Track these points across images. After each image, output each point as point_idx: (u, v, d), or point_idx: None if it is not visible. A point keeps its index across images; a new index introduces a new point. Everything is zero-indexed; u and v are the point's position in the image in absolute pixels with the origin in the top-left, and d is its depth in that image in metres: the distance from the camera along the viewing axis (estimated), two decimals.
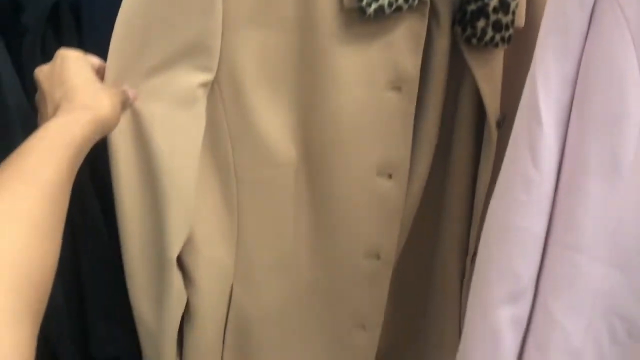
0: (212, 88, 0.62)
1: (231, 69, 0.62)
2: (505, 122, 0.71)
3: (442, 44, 0.67)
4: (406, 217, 0.73)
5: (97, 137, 0.52)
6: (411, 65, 0.64)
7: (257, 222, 0.69)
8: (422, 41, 0.64)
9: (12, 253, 0.36)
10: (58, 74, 0.53)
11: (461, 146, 0.73)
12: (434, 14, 0.66)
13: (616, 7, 0.53)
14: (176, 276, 0.64)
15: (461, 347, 0.59)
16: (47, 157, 0.44)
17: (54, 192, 0.42)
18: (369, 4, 0.58)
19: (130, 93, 0.59)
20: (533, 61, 0.58)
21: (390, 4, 0.59)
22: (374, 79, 0.64)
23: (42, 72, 0.55)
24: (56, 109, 0.51)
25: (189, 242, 0.65)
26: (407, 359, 0.86)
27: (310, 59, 0.62)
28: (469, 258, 0.75)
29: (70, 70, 0.53)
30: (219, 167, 0.65)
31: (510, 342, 0.57)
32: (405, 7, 0.60)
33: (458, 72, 0.69)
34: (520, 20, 0.65)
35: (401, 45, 0.63)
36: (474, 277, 0.59)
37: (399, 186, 0.70)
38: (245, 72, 0.62)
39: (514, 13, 0.64)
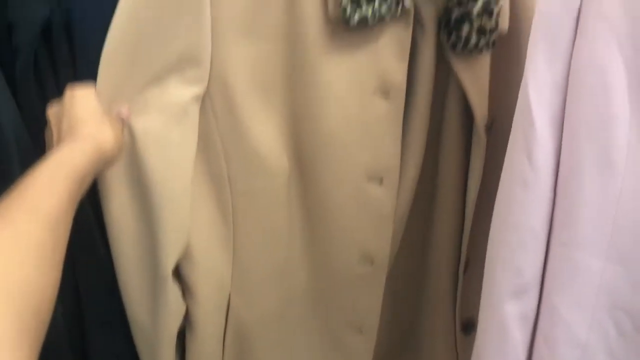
0: (203, 101, 0.63)
1: (222, 82, 0.62)
2: (494, 126, 0.72)
3: (428, 50, 0.68)
4: (398, 222, 0.73)
5: (100, 168, 0.54)
6: (398, 72, 0.65)
7: (252, 231, 0.70)
8: (408, 49, 0.65)
9: (12, 281, 0.37)
10: (67, 110, 0.55)
11: (450, 150, 0.74)
12: (418, 21, 0.67)
13: (600, 13, 0.54)
14: (172, 291, 0.64)
15: (475, 342, 0.61)
16: (49, 188, 0.44)
17: (54, 221, 0.43)
18: (353, 15, 0.59)
19: (123, 110, 0.60)
20: (525, 67, 0.59)
21: (373, 14, 0.60)
22: (361, 87, 0.65)
23: (52, 110, 0.57)
24: (61, 141, 0.53)
25: (186, 254, 0.66)
26: None
27: (300, 69, 0.63)
28: (461, 268, 0.76)
29: (77, 106, 0.55)
30: (213, 179, 0.66)
31: (519, 337, 0.59)
32: (388, 16, 0.61)
33: (445, 77, 0.70)
34: (504, 24, 0.66)
35: (387, 53, 0.64)
36: (485, 277, 0.61)
37: (390, 191, 0.70)
38: (236, 84, 0.63)
39: (497, 18, 0.64)
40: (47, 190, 0.44)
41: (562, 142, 0.58)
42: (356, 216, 0.70)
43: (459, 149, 0.74)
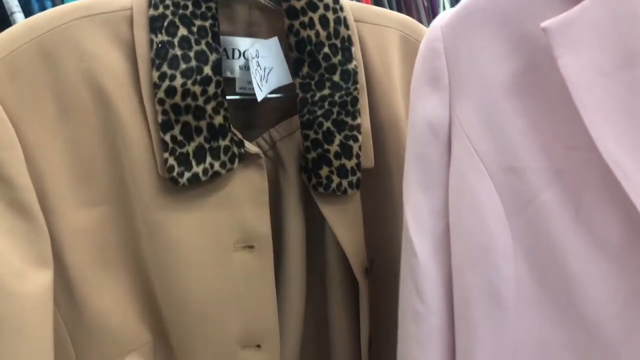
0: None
1: (58, 259, 0.54)
2: (375, 263, 0.65)
3: (292, 194, 0.62)
4: None
5: None
6: (259, 221, 0.58)
7: None
8: (265, 193, 0.59)
9: None
10: None
11: (336, 299, 0.66)
12: (280, 163, 0.62)
13: (462, 133, 0.51)
14: None
15: None
16: None
17: None
18: (181, 174, 0.52)
19: None
20: (402, 198, 0.56)
21: (205, 171, 0.54)
22: (219, 242, 0.58)
23: None
24: None
25: None
26: None
27: (144, 231, 0.56)
28: None
29: None
30: None
31: None
32: (223, 171, 0.55)
33: (319, 219, 0.63)
34: (368, 161, 0.62)
35: (243, 202, 0.58)
36: None
37: (271, 356, 0.61)
38: (74, 260, 0.54)
39: (358, 156, 0.60)
40: None
41: (452, 271, 0.54)
42: None
43: (346, 294, 0.67)
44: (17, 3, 0.82)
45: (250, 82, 0.60)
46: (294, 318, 0.64)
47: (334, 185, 0.59)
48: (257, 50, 0.59)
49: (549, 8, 0.43)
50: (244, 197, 0.58)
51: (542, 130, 0.46)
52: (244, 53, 0.60)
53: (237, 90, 0.61)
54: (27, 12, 0.84)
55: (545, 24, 0.42)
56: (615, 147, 0.42)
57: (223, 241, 0.58)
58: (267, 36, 0.60)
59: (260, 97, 0.58)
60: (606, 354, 0.47)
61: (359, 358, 0.67)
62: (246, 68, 0.60)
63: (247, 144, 0.57)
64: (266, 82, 0.59)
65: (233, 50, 0.59)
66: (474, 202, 0.50)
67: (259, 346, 0.61)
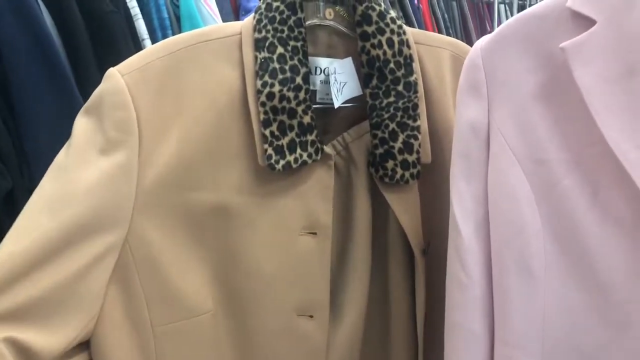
0: (123, 248, 0.64)
1: (140, 235, 0.65)
2: (430, 247, 0.77)
3: (361, 185, 0.74)
4: (339, 354, 0.74)
5: None
6: (323, 212, 0.70)
7: None
8: (331, 190, 0.71)
9: None
10: None
11: (396, 276, 0.78)
12: (352, 159, 0.74)
13: (498, 133, 0.62)
14: None
15: None
16: None
17: None
18: (277, 162, 0.66)
19: None
20: (450, 188, 0.67)
21: (295, 160, 0.67)
22: (288, 228, 0.69)
23: None
24: None
25: None
26: None
27: (227, 214, 0.67)
28: None
29: None
30: (135, 326, 0.66)
31: None
32: (309, 161, 0.68)
33: (384, 207, 0.76)
34: (426, 157, 0.74)
35: (312, 195, 0.70)
36: None
37: (321, 326, 0.72)
38: (157, 238, 0.65)
39: (418, 152, 0.72)
40: None
41: (491, 248, 0.64)
42: (287, 352, 0.71)
43: (404, 274, 0.78)
44: (146, 30, 1.02)
45: (328, 94, 0.73)
46: (359, 292, 0.75)
47: (397, 176, 0.71)
48: (334, 68, 0.73)
49: (565, 32, 0.54)
50: (314, 191, 0.70)
51: (563, 129, 0.57)
52: (324, 70, 0.74)
53: (318, 100, 0.74)
54: (153, 39, 1.04)
55: (563, 44, 0.54)
56: (621, 140, 0.52)
57: (291, 226, 0.70)
58: (343, 56, 0.73)
59: (337, 105, 0.72)
60: (619, 313, 0.56)
61: (415, 328, 0.78)
62: (326, 82, 0.74)
63: (327, 145, 0.70)
64: (341, 93, 0.73)
65: (316, 68, 0.73)
66: (509, 190, 0.61)
67: (311, 316, 0.72)
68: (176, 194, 0.66)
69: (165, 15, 1.10)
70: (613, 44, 0.52)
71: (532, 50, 0.58)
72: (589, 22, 0.53)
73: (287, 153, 0.67)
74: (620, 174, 0.54)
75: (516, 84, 0.59)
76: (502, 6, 2.62)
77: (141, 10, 1.06)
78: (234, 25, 0.71)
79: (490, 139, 0.64)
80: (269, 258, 0.69)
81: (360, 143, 0.74)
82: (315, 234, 0.71)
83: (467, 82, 0.63)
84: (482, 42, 0.61)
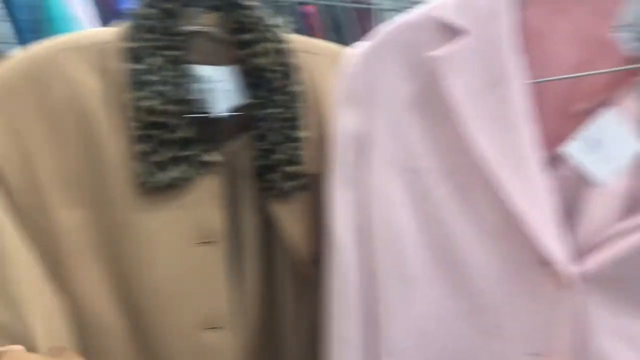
0: None
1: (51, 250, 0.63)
2: (319, 257, 0.76)
3: (249, 195, 0.73)
4: None
5: None
6: (214, 220, 0.69)
7: None
8: (220, 199, 0.69)
9: None
10: None
11: (289, 285, 0.77)
12: (238, 169, 0.72)
13: (376, 141, 0.64)
14: None
15: None
16: None
17: None
18: (157, 180, 0.64)
19: None
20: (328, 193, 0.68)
21: (179, 174, 0.65)
22: (182, 238, 0.68)
23: None
24: None
25: None
26: None
27: (119, 231, 0.65)
28: None
29: None
30: None
31: None
32: (194, 174, 0.66)
33: (272, 219, 0.74)
34: (313, 167, 0.73)
35: (202, 204, 0.68)
36: None
37: (228, 338, 0.71)
38: (63, 249, 0.64)
39: (303, 163, 0.71)
40: None
41: (370, 256, 0.64)
42: None
43: (296, 281, 0.77)
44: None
45: (212, 103, 0.71)
46: (251, 302, 0.74)
47: (281, 187, 0.71)
48: (217, 76, 0.70)
49: (438, 42, 0.56)
50: (204, 200, 0.68)
51: (436, 137, 0.58)
52: (206, 78, 0.71)
53: (201, 109, 0.71)
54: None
55: (431, 53, 0.55)
56: (486, 148, 0.54)
57: (186, 237, 0.68)
58: (226, 64, 0.71)
59: (220, 114, 0.69)
60: (491, 317, 0.58)
61: (311, 340, 0.76)
62: (208, 91, 0.71)
63: (209, 154, 0.68)
64: (224, 103, 0.70)
65: (197, 76, 0.71)
66: (386, 198, 0.62)
67: (217, 328, 0.70)
68: (68, 212, 0.64)
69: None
70: (479, 54, 0.54)
71: (405, 58, 0.59)
72: (456, 32, 0.55)
73: (168, 168, 0.64)
74: (487, 183, 0.55)
75: (392, 92, 0.60)
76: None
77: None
78: (105, 32, 0.66)
79: (368, 147, 0.64)
80: (167, 274, 0.67)
81: (246, 153, 0.73)
82: (209, 242, 0.69)
83: (344, 90, 0.63)
84: (357, 49, 0.62)
